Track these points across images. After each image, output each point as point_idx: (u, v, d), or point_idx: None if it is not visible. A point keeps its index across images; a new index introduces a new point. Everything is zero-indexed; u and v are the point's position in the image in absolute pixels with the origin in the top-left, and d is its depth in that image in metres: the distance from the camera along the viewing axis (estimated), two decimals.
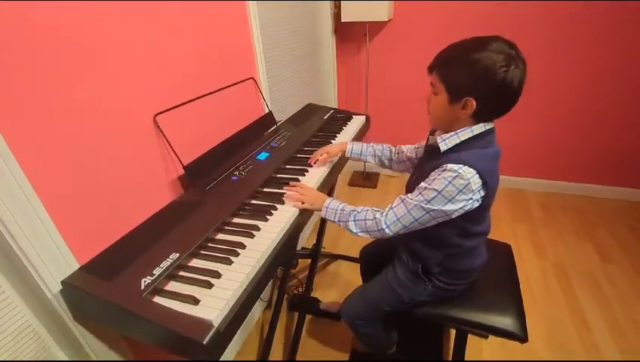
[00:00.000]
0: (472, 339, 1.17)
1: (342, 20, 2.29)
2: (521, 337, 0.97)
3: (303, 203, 1.00)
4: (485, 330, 1.01)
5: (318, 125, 1.58)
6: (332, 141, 1.42)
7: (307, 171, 1.19)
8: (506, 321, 0.99)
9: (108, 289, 0.68)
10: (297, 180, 1.13)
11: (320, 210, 1.01)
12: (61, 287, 0.73)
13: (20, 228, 0.65)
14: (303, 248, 2.04)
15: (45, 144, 0.71)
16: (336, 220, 0.98)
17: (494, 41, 0.74)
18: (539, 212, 2.36)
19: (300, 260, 1.98)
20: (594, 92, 2.19)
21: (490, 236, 1.14)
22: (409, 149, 1.20)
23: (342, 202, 1.01)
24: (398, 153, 1.22)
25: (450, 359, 1.20)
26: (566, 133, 2.36)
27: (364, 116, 1.73)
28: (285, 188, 1.06)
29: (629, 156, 2.29)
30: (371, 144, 1.26)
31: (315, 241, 1.76)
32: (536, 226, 2.21)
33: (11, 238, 0.65)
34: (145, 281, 0.69)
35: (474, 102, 0.77)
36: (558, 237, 2.10)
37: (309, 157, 1.25)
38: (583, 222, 2.22)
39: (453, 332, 1.41)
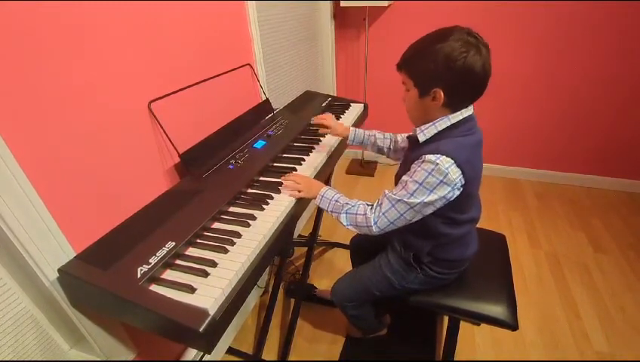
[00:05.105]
0: (465, 325, 1.20)
1: (341, 5, 2.24)
2: (512, 325, 0.99)
3: (299, 191, 1.00)
4: (477, 318, 1.03)
5: (315, 113, 1.56)
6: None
7: (304, 160, 1.19)
8: (497, 310, 1.01)
9: (104, 277, 0.69)
10: (294, 169, 1.13)
11: (315, 198, 1.01)
12: (58, 275, 0.74)
13: (14, 216, 0.65)
14: (300, 235, 2.06)
15: (39, 133, 0.70)
16: (329, 210, 0.99)
17: (454, 31, 0.76)
18: (534, 201, 2.37)
19: (296, 247, 2.00)
20: (590, 83, 2.17)
21: (486, 224, 1.15)
22: (402, 139, 1.20)
23: (338, 192, 1.01)
24: (394, 142, 1.22)
25: (443, 343, 1.23)
26: (563, 124, 2.35)
27: (363, 104, 1.72)
28: (282, 177, 1.06)
29: (625, 147, 2.29)
30: (373, 133, 1.24)
31: (311, 229, 1.77)
32: (532, 215, 2.23)
33: (7, 227, 0.65)
34: (141, 270, 0.70)
35: (441, 93, 0.79)
36: (552, 227, 2.12)
37: (306, 146, 1.24)
38: (578, 212, 2.24)
39: (446, 318, 1.43)
